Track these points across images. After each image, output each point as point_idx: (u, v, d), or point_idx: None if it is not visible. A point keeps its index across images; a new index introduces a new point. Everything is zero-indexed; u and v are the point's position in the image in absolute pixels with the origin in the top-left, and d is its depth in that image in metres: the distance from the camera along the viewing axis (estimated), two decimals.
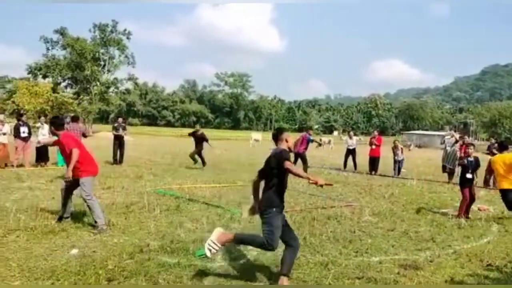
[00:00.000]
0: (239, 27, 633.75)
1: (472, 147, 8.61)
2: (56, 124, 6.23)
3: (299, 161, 14.29)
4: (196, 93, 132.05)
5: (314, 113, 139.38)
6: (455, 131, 15.73)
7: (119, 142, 14.92)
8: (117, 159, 14.75)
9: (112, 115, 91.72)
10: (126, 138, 15.73)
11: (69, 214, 6.27)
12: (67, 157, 6.04)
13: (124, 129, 15.35)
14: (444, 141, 14.76)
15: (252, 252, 5.13)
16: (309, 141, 14.57)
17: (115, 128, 15.19)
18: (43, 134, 13.57)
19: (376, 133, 17.25)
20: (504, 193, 7.88)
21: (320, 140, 33.31)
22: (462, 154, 13.62)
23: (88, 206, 5.94)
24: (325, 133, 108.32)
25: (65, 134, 6.35)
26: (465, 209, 7.96)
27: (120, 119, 15.83)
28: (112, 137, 15.48)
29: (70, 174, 5.87)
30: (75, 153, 5.84)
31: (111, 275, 4.19)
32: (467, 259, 5.26)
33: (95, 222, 5.84)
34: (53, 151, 13.67)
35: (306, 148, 14.46)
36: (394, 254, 5.38)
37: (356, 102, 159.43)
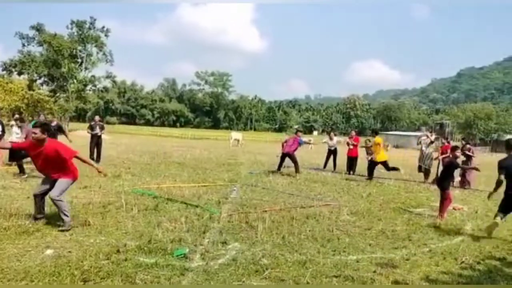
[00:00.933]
0: (220, 27, 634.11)
1: (458, 150, 8.88)
2: (48, 130, 5.99)
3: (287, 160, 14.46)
4: (175, 92, 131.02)
5: (294, 113, 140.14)
6: (431, 132, 15.97)
7: (96, 141, 14.69)
8: (94, 158, 14.52)
9: (89, 113, 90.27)
10: (103, 137, 15.49)
11: (43, 214, 6.14)
12: (54, 165, 5.88)
13: (102, 128, 15.10)
14: (420, 142, 15.02)
15: (230, 252, 5.12)
16: (300, 143, 14.68)
17: (91, 127, 14.93)
18: (17, 132, 13.24)
19: (353, 133, 17.42)
20: (376, 163, 13.76)
21: (310, 140, 33.57)
22: (439, 155, 13.92)
23: (56, 205, 5.82)
24: (305, 133, 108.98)
25: (57, 141, 6.18)
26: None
27: (97, 118, 15.57)
28: (89, 136, 15.21)
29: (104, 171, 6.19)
30: (80, 153, 5.99)
31: (87, 275, 4.12)
32: (442, 257, 5.37)
33: (62, 220, 5.74)
34: None
35: (295, 149, 14.55)
36: (371, 252, 5.46)
37: (335, 102, 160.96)
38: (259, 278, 4.34)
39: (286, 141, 14.68)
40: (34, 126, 5.90)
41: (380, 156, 13.71)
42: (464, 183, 13.40)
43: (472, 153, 14.06)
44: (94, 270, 4.27)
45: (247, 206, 8.14)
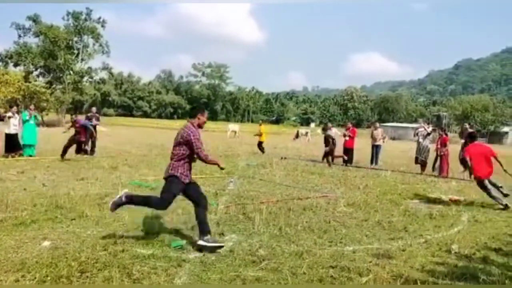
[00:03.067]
0: (218, 18, 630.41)
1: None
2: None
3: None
4: (172, 84, 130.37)
5: (292, 105, 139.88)
6: (428, 124, 16.01)
7: (90, 132, 14.65)
8: (88, 150, 14.48)
9: (86, 105, 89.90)
10: (98, 128, 15.48)
11: None
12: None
13: (97, 119, 15.07)
14: (417, 133, 15.03)
15: (227, 243, 5.13)
16: None
17: (88, 118, 14.90)
18: (14, 124, 13.19)
19: (349, 124, 17.46)
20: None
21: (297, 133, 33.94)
22: (439, 146, 13.97)
23: None
24: (302, 125, 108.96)
25: None
26: None
27: (93, 109, 15.56)
28: None
29: None
30: None
31: (84, 267, 4.12)
32: (437, 248, 5.39)
33: None
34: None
35: None
36: (368, 243, 5.48)
37: (333, 94, 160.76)
38: (256, 269, 4.36)
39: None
40: None
41: (261, 137, 19.87)
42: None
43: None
44: (91, 261, 4.27)
45: (244, 197, 8.16)
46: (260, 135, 19.97)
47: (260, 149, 19.55)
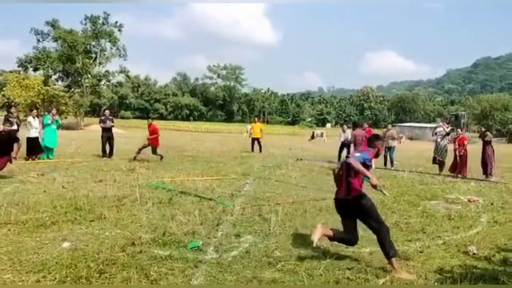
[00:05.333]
0: (233, 19, 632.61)
1: None
2: None
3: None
4: (188, 86, 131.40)
5: (307, 105, 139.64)
6: (448, 124, 15.73)
7: (107, 135, 14.87)
8: (106, 152, 14.68)
9: (104, 108, 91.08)
10: (114, 130, 15.69)
11: None
12: None
13: (112, 121, 15.27)
14: (436, 133, 14.81)
15: (244, 244, 5.15)
16: None
17: (102, 121, 15.11)
18: (35, 127, 13.44)
19: (366, 125, 17.27)
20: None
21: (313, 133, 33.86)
22: (456, 147, 13.72)
23: None
24: (318, 125, 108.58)
25: None
26: None
27: (107, 112, 15.75)
28: (101, 130, 15.39)
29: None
30: None
31: (103, 268, 4.19)
32: (456, 249, 5.32)
33: None
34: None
35: None
36: None
37: (349, 94, 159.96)
38: (272, 270, 4.36)
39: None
40: None
41: (255, 134, 20.33)
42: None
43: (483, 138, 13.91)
44: (110, 262, 4.34)
45: (260, 199, 8.17)
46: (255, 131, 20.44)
47: (254, 146, 20.00)
